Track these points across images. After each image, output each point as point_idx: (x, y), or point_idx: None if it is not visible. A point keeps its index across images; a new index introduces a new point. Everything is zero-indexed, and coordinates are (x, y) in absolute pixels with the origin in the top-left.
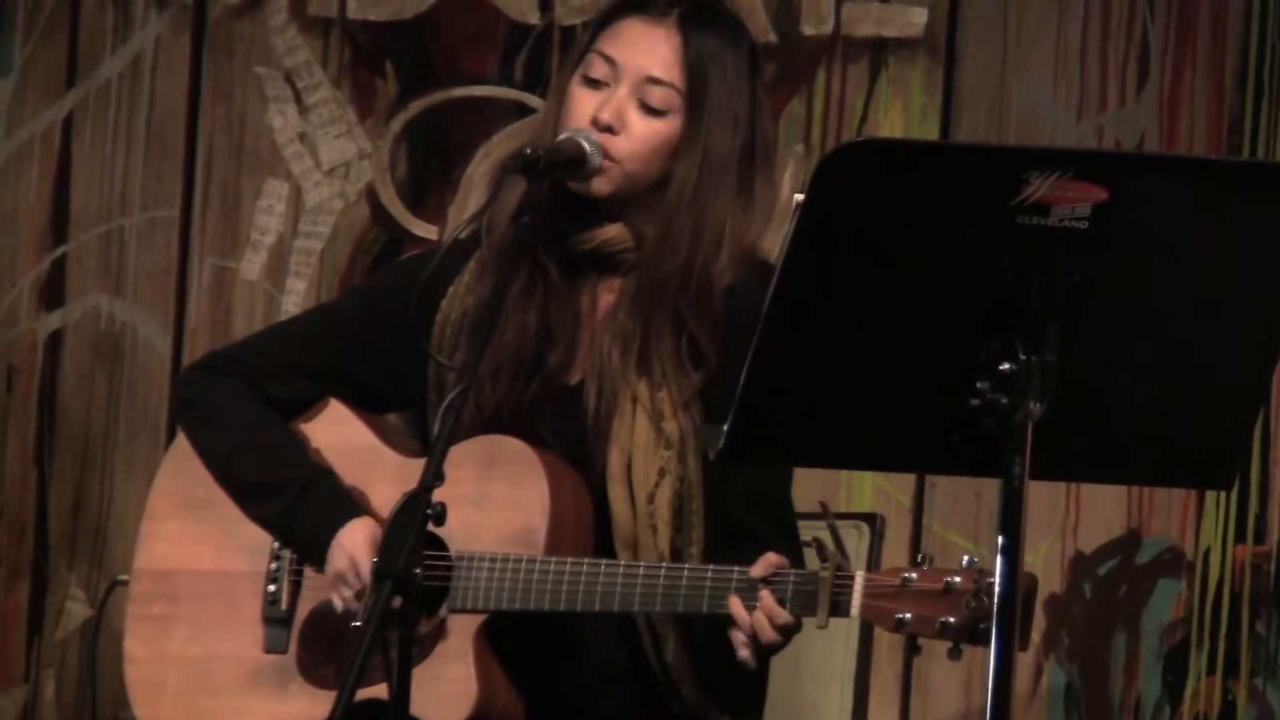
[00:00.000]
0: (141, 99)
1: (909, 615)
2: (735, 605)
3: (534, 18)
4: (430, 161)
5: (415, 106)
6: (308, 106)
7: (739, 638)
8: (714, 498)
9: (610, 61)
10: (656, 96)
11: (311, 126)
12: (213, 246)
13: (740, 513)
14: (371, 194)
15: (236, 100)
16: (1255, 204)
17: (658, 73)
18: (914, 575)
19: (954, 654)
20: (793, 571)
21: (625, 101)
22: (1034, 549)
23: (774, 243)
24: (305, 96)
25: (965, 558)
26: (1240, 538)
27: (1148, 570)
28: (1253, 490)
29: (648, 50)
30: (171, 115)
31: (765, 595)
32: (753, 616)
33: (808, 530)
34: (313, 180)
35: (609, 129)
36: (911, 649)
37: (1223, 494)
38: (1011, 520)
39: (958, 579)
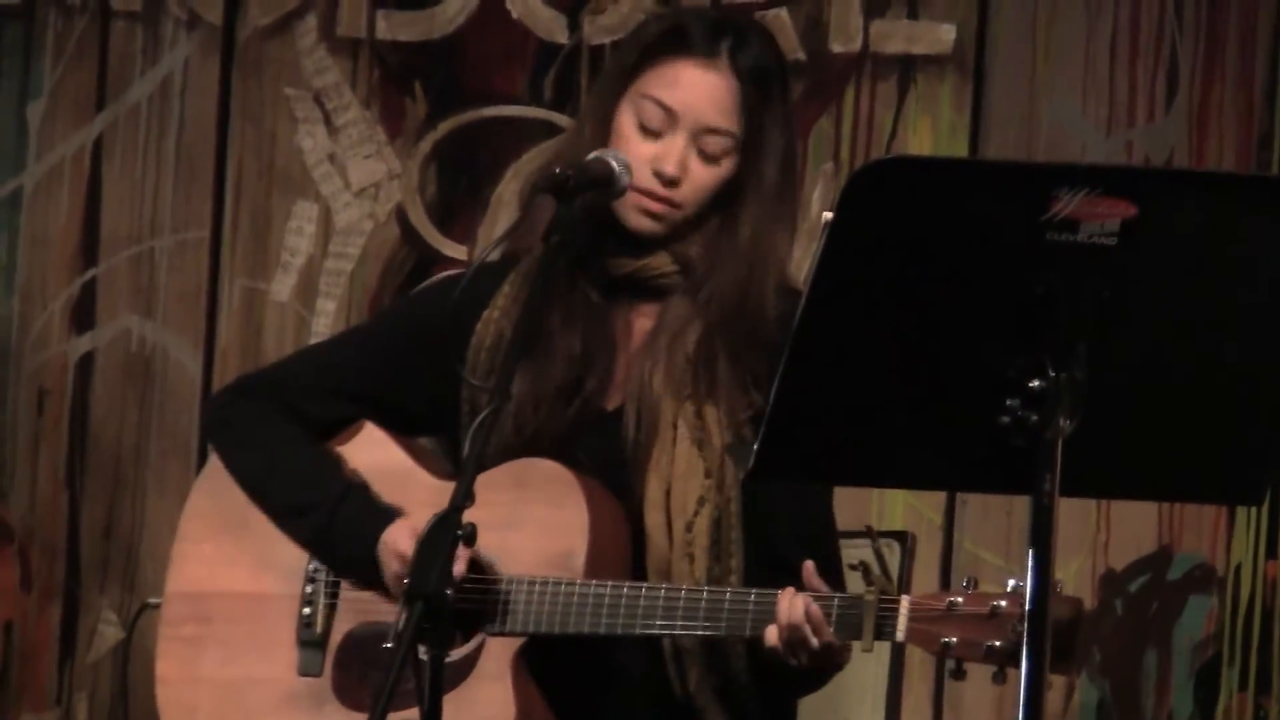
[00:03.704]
0: (171, 121)
1: (955, 639)
2: (783, 600)
3: (563, 37)
4: (460, 181)
5: (444, 127)
6: (337, 127)
7: (772, 633)
8: (755, 530)
9: (667, 110)
10: (714, 145)
11: (341, 147)
12: (243, 268)
13: (784, 548)
14: (401, 214)
15: (266, 121)
16: None
17: (717, 122)
18: (959, 599)
19: (998, 678)
20: (837, 595)
21: (686, 152)
22: (1065, 566)
23: (802, 259)
24: (334, 117)
25: (1011, 581)
26: (1271, 553)
27: (1179, 587)
28: None
29: (706, 98)
30: (201, 137)
31: (813, 606)
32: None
33: (851, 551)
34: (342, 201)
35: (673, 182)
36: (956, 673)
37: (1253, 510)
38: (1042, 537)
39: (1003, 603)
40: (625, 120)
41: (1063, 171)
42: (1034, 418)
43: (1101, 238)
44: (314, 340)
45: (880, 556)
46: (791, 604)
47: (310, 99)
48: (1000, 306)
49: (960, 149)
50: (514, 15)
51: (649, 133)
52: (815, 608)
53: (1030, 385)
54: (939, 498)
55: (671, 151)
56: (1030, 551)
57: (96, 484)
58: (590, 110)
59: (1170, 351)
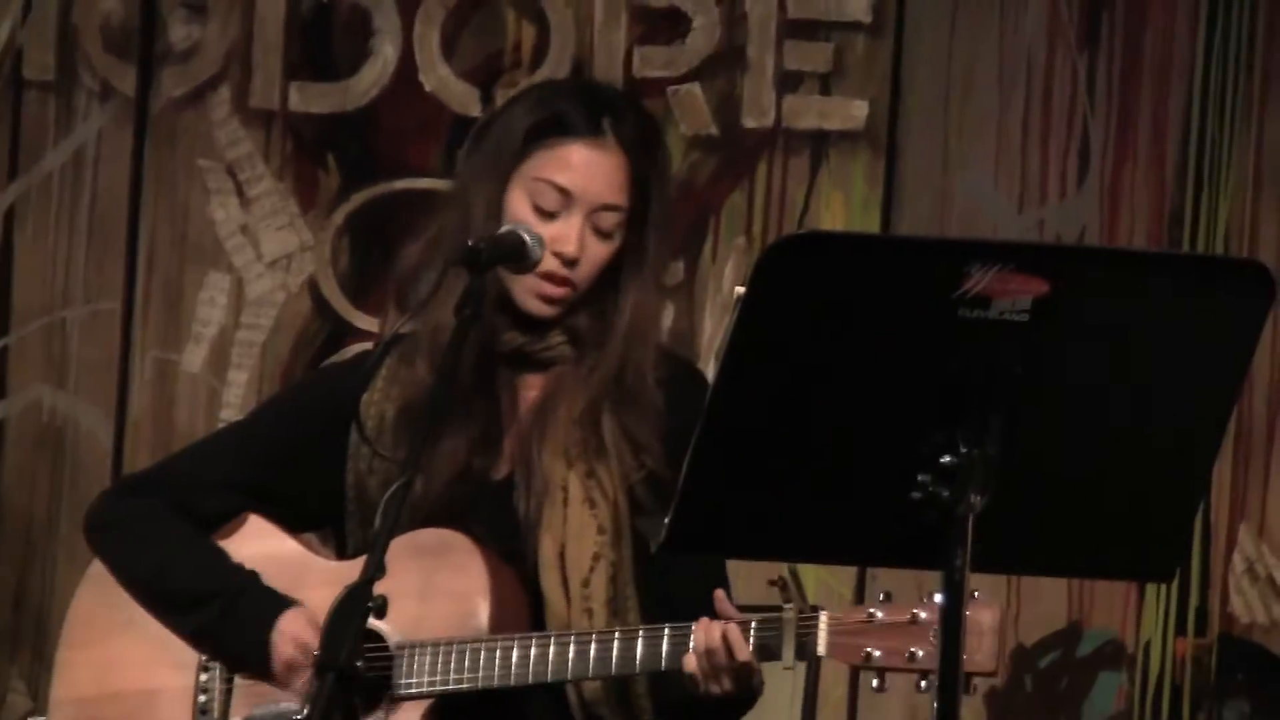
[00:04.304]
0: (84, 191)
1: (878, 651)
2: (700, 628)
3: (476, 110)
4: (372, 253)
5: (358, 198)
6: (250, 199)
7: (690, 662)
8: (647, 583)
9: (563, 192)
10: (608, 221)
11: (253, 218)
12: (155, 339)
13: (677, 594)
14: (314, 286)
15: (179, 192)
16: (1196, 297)
17: (611, 199)
18: (879, 612)
19: (926, 685)
20: (754, 615)
21: (583, 231)
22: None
23: (715, 333)
24: (247, 188)
25: (929, 594)
26: (1181, 630)
27: (1089, 663)
28: (1193, 582)
29: (599, 176)
30: (114, 207)
31: (730, 627)
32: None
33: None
34: (255, 272)
35: (573, 262)
36: (879, 687)
37: (1163, 587)
38: (953, 612)
39: (923, 613)
40: (518, 203)
41: (975, 248)
42: (945, 493)
43: (1013, 314)
44: (225, 411)
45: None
46: (708, 630)
47: (223, 170)
48: (913, 382)
49: (873, 224)
50: (427, 88)
51: (545, 214)
52: (733, 628)
53: (942, 461)
54: (850, 572)
55: (569, 232)
56: (941, 628)
57: (7, 553)
58: (475, 190)
59: (1082, 428)
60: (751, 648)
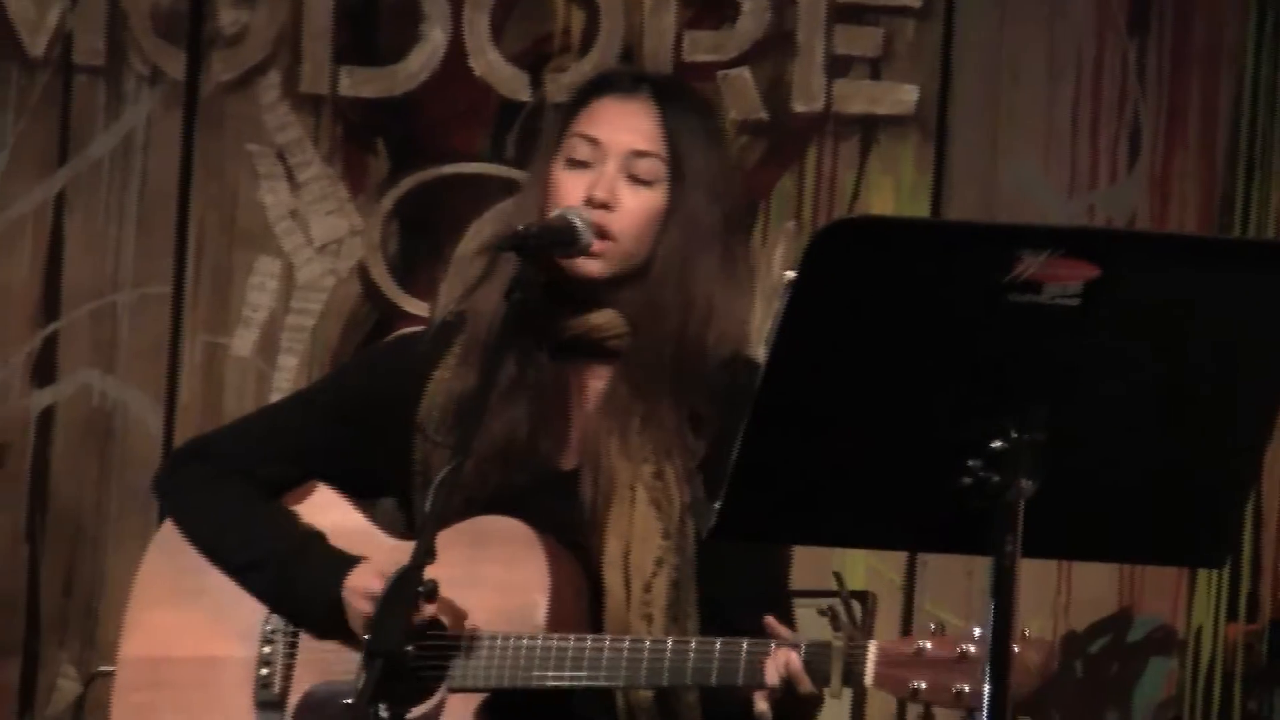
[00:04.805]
0: (133, 176)
1: (923, 684)
2: (773, 624)
3: (525, 95)
4: (421, 238)
5: (406, 183)
6: (299, 183)
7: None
8: (707, 593)
9: (593, 141)
10: (644, 168)
11: (303, 203)
12: (204, 323)
13: (732, 611)
14: (363, 270)
15: (228, 177)
16: (1247, 282)
17: (642, 145)
18: (927, 643)
19: None
20: (805, 640)
21: (615, 178)
22: (1025, 627)
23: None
24: (297, 173)
25: (978, 629)
26: (1232, 616)
27: (1139, 648)
28: (1244, 568)
29: (629, 125)
30: (163, 192)
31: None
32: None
33: (820, 600)
34: (304, 257)
35: (604, 205)
36: None
37: (1214, 572)
38: (1003, 598)
39: (971, 647)
40: (557, 167)
41: (1026, 233)
42: (995, 479)
43: (1064, 299)
44: (275, 396)
45: (847, 604)
46: (789, 659)
47: (273, 155)
48: (962, 367)
49: (921, 209)
50: (476, 73)
51: (578, 165)
52: (794, 658)
53: (992, 446)
54: (900, 558)
55: (601, 178)
56: (991, 612)
57: (56, 539)
58: (532, 174)
59: (1132, 413)
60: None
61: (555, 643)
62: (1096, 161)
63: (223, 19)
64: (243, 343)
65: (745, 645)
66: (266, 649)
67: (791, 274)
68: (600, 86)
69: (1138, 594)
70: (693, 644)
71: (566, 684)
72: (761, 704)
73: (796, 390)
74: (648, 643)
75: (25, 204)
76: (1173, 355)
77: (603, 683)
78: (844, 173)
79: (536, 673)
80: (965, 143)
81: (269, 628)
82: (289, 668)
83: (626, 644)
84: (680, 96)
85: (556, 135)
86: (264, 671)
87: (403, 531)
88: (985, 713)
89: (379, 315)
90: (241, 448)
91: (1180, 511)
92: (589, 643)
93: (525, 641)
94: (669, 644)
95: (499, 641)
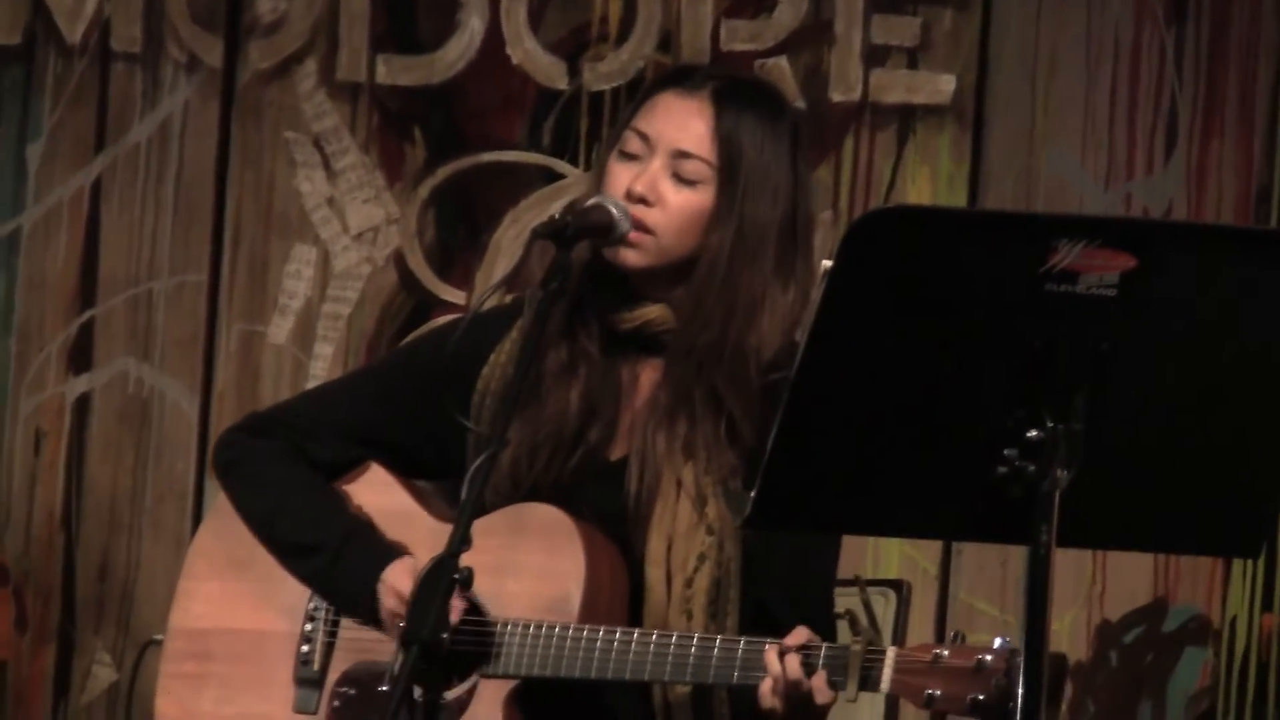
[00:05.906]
0: (170, 163)
1: (939, 692)
2: (770, 655)
3: (562, 83)
4: (458, 227)
5: (443, 172)
6: (336, 171)
7: (766, 685)
8: (751, 590)
9: (643, 136)
10: (688, 169)
11: (340, 191)
12: (241, 311)
13: (777, 609)
14: (399, 259)
15: (265, 165)
16: None
17: (688, 146)
18: (946, 652)
19: None
20: (824, 644)
21: (659, 174)
22: (1060, 616)
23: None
24: (333, 161)
25: (998, 639)
26: (1267, 606)
27: (1174, 639)
28: None
29: (679, 124)
30: (200, 180)
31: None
32: (785, 663)
33: (840, 600)
34: (341, 245)
35: (642, 200)
36: None
37: (1250, 562)
38: (1038, 588)
39: (989, 657)
40: (613, 158)
41: (1063, 222)
42: (1031, 468)
43: (1101, 289)
44: (310, 384)
45: (868, 607)
46: (787, 662)
47: (309, 143)
48: (999, 357)
49: (959, 199)
50: (514, 61)
51: (628, 157)
52: (793, 659)
53: (1028, 436)
54: (934, 547)
55: (644, 173)
56: (1026, 602)
57: (92, 526)
58: (596, 164)
59: (1168, 403)
60: (819, 668)
61: (585, 634)
62: (1134, 151)
63: (260, 7)
64: (279, 331)
65: (742, 644)
66: (308, 626)
67: (828, 263)
68: (666, 81)
69: (1173, 584)
70: (694, 641)
71: (593, 677)
72: (770, 700)
73: (832, 379)
74: (654, 638)
75: (62, 191)
76: (1209, 345)
77: (628, 676)
78: (881, 162)
79: (566, 663)
80: (1002, 132)
81: (312, 605)
82: (330, 646)
83: (634, 638)
84: (746, 99)
85: (620, 127)
86: (304, 649)
87: (448, 514)
88: (1022, 692)
89: (415, 304)
90: (300, 427)
91: (1216, 501)
92: (617, 636)
93: (557, 631)
94: (673, 640)
95: (531, 629)
